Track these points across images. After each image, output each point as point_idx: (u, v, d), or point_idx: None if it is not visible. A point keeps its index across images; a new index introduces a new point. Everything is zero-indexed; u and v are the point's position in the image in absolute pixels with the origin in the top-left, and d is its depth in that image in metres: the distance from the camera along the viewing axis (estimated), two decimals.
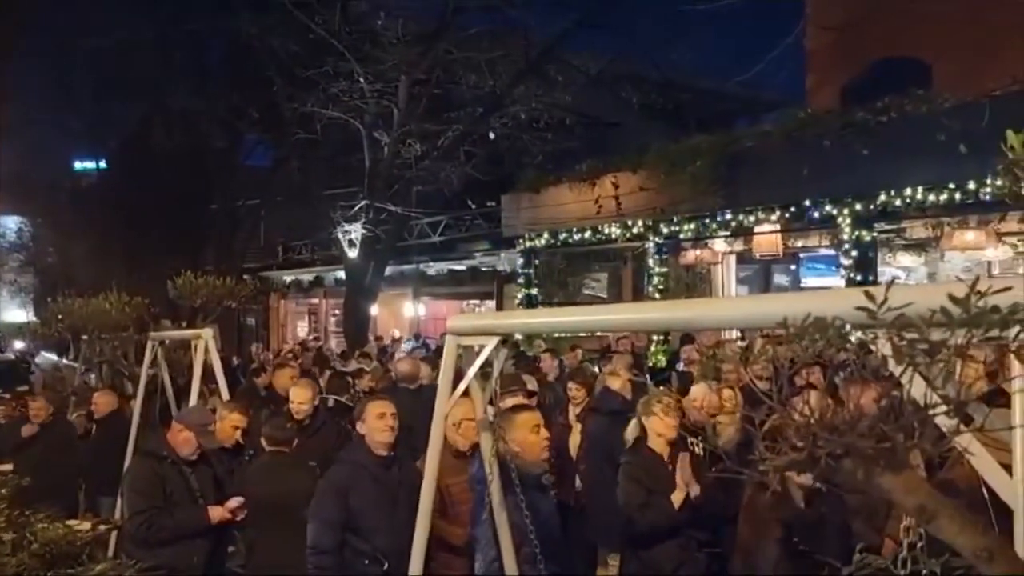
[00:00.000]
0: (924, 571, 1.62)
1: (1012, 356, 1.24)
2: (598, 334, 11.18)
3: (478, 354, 3.28)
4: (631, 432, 4.84)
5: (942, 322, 1.22)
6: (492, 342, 3.21)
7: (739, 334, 10.36)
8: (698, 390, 5.64)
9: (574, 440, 6.05)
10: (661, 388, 6.99)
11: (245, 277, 18.09)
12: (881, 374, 1.25)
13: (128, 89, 23.48)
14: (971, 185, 8.97)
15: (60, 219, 27.11)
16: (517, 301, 15.40)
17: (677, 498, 4.39)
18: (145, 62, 21.71)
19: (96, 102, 24.17)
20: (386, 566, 4.02)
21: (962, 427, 1.29)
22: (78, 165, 28.80)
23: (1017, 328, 1.20)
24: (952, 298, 1.20)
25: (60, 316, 9.95)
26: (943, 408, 1.18)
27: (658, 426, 4.56)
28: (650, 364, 11.68)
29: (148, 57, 21.57)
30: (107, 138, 25.50)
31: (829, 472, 1.14)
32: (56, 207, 27.03)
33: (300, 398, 5.95)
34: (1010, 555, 1.12)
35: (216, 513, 4.64)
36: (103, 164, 26.91)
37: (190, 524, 4.58)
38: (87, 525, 5.32)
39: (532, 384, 6.52)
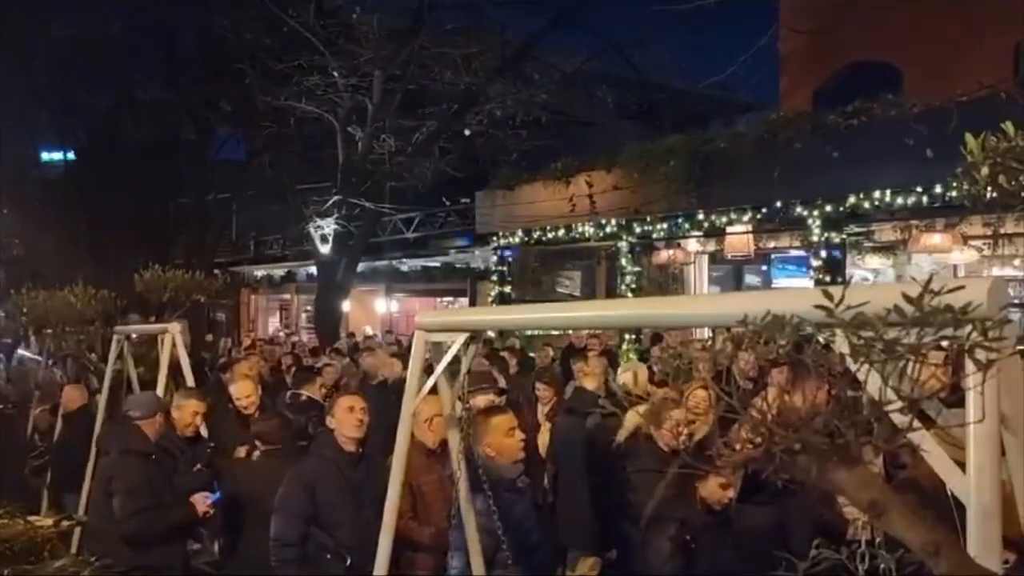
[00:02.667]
0: (880, 566, 1.64)
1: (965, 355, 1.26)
2: (570, 332, 11.22)
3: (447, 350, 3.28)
4: (628, 426, 4.83)
5: (897, 321, 1.24)
6: (461, 338, 3.20)
7: (710, 333, 10.45)
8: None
9: (543, 439, 6.05)
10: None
11: (215, 272, 17.90)
12: (835, 371, 1.26)
13: (96, 80, 23.08)
14: (938, 189, 9.12)
15: (26, 210, 26.62)
16: (490, 299, 15.40)
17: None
18: (114, 53, 21.36)
19: (63, 92, 23.74)
20: (348, 562, 4.02)
21: (916, 424, 1.31)
22: (45, 156, 28.22)
23: (970, 327, 1.22)
24: (906, 297, 1.22)
25: (24, 309, 9.76)
26: (897, 405, 1.20)
27: (667, 439, 4.54)
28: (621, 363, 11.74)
29: (117, 48, 21.23)
30: (75, 129, 25.04)
31: (784, 467, 1.16)
32: (22, 198, 26.54)
33: (243, 392, 5.88)
34: (957, 550, 1.14)
35: (200, 505, 4.64)
36: (71, 155, 26.42)
37: (181, 519, 4.60)
38: (49, 521, 5.25)
39: (502, 382, 6.53)
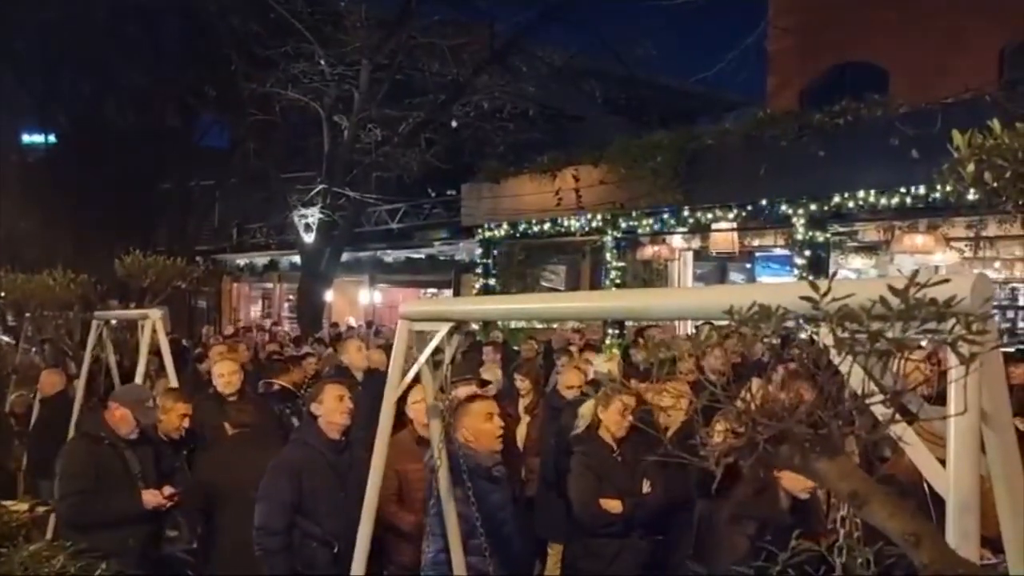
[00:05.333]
0: (859, 559, 1.65)
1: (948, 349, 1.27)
2: (555, 326, 11.22)
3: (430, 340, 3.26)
4: (584, 415, 4.85)
5: (882, 314, 1.24)
6: (444, 328, 3.19)
7: (694, 329, 10.48)
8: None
9: (521, 432, 6.05)
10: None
11: (197, 259, 17.76)
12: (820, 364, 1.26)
13: (80, 64, 22.82)
14: (922, 190, 9.19)
15: (5, 193, 26.32)
16: (475, 291, 15.37)
17: (614, 505, 4.41)
18: (98, 37, 21.11)
19: (46, 76, 23.45)
20: (336, 549, 3.99)
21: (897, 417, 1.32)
22: (26, 138, 27.88)
23: (953, 321, 1.22)
24: (892, 289, 1.22)
25: (2, 293, 9.66)
26: (879, 397, 1.20)
27: (610, 423, 4.57)
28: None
29: (102, 32, 20.97)
30: (57, 113, 24.77)
31: (767, 457, 1.16)
32: (1, 180, 26.25)
33: (225, 370, 5.73)
34: (937, 540, 1.14)
35: (151, 498, 4.47)
36: (52, 139, 26.13)
37: (122, 509, 4.43)
38: (24, 507, 5.20)
39: (493, 375, 6.51)
